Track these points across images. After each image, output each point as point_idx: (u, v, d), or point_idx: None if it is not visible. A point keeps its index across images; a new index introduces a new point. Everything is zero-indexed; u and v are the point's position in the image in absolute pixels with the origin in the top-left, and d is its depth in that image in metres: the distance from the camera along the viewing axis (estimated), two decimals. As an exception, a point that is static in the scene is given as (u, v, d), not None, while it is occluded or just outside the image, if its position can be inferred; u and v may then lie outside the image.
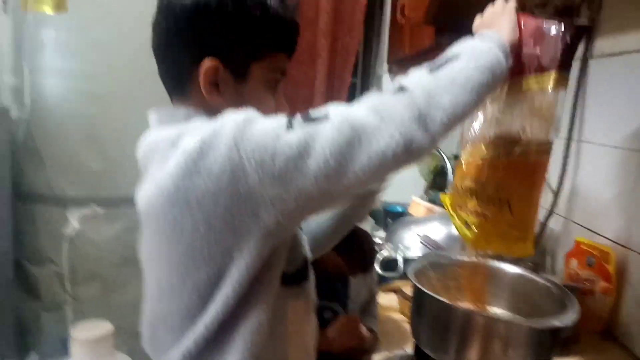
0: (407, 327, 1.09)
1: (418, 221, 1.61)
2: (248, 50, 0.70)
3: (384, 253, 1.35)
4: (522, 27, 0.80)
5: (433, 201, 2.10)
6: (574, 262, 1.20)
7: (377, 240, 1.48)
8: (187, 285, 0.64)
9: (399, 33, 2.07)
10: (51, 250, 1.93)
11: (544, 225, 1.33)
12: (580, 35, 0.80)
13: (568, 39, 0.79)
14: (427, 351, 0.88)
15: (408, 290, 1.26)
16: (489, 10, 0.82)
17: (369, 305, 1.19)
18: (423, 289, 0.86)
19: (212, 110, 0.68)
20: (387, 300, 1.32)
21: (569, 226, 1.31)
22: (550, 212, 1.30)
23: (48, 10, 1.78)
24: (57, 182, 1.91)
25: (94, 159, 1.90)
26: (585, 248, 1.17)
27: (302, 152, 0.57)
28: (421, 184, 2.35)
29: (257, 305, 0.64)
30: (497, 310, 0.96)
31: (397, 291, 1.35)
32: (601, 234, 1.17)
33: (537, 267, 1.33)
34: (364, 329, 1.07)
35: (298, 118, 0.61)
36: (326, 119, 0.59)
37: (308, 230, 0.89)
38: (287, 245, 0.68)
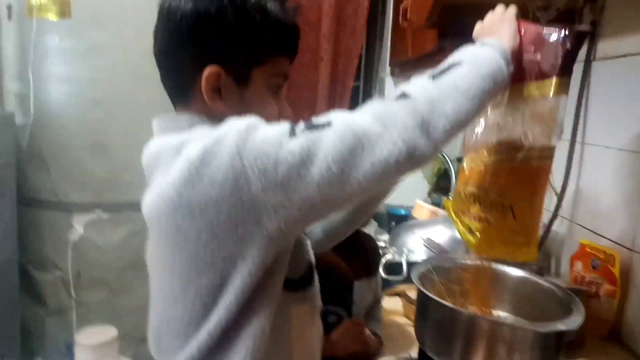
0: (412, 330, 1.09)
1: (422, 224, 1.61)
2: (249, 56, 0.70)
3: (388, 256, 1.35)
4: (522, 34, 0.80)
5: (437, 204, 2.09)
6: (578, 265, 1.19)
7: (380, 243, 1.47)
8: (189, 292, 0.64)
9: (402, 36, 2.07)
10: (56, 256, 1.94)
11: (548, 228, 1.33)
12: (581, 40, 0.80)
13: (568, 45, 0.79)
14: (431, 355, 0.88)
15: (412, 294, 1.26)
16: (489, 17, 0.82)
17: (373, 309, 1.19)
18: (427, 293, 0.85)
19: (215, 117, 0.68)
20: (391, 304, 1.32)
21: (574, 229, 1.31)
22: (555, 215, 1.30)
23: (52, 17, 1.80)
24: (62, 188, 1.91)
25: (98, 164, 1.91)
26: (590, 250, 1.16)
27: (305, 159, 0.57)
28: (425, 186, 2.35)
29: (260, 311, 0.64)
30: (501, 314, 0.96)
31: (401, 295, 1.34)
32: (606, 236, 1.17)
33: (541, 270, 1.33)
34: (368, 333, 1.07)
35: (300, 125, 0.61)
36: (329, 126, 0.59)
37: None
38: (290, 251, 0.68)
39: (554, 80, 0.79)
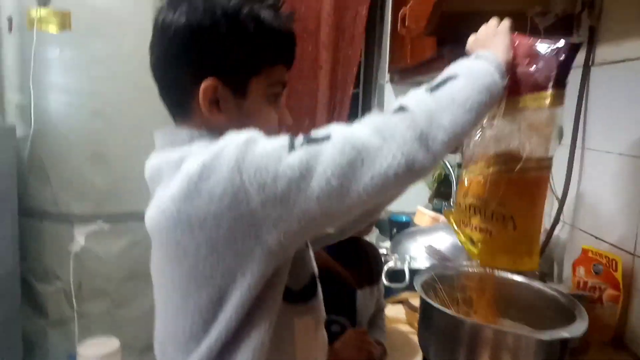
0: (415, 338, 1.08)
1: (423, 231, 1.61)
2: (246, 66, 0.71)
3: (390, 264, 1.35)
4: (516, 47, 0.81)
5: (438, 210, 2.10)
6: (581, 270, 1.19)
7: (382, 250, 1.47)
8: (190, 306, 0.64)
9: (400, 43, 2.08)
10: (57, 267, 1.94)
11: (550, 233, 1.32)
12: (574, 52, 0.80)
13: (562, 56, 0.79)
14: (435, 364, 0.88)
15: (415, 302, 1.26)
16: (483, 29, 0.83)
17: (376, 318, 1.19)
18: (431, 301, 0.85)
19: (215, 129, 0.68)
20: (394, 311, 1.32)
21: (575, 234, 1.30)
22: (556, 220, 1.30)
23: (53, 29, 1.81)
24: (62, 199, 1.92)
25: (99, 175, 1.91)
26: (592, 256, 1.16)
27: (305, 173, 0.57)
28: (425, 192, 2.35)
29: (260, 324, 0.64)
30: (504, 322, 0.95)
31: (404, 302, 1.34)
32: (607, 241, 1.17)
33: (544, 276, 1.32)
34: (372, 342, 1.07)
35: (299, 139, 0.61)
36: (328, 139, 0.59)
37: None
38: (289, 263, 0.68)
39: (549, 92, 0.79)
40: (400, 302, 1.35)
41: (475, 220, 0.87)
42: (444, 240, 1.47)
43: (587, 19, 1.22)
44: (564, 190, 1.27)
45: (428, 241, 1.48)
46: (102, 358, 1.35)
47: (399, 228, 1.91)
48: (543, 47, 0.81)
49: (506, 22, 0.82)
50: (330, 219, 0.62)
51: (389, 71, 2.47)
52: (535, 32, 1.21)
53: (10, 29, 1.89)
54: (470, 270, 0.99)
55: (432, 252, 1.43)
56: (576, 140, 1.26)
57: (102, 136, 1.91)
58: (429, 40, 1.58)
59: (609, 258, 1.11)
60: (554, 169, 0.85)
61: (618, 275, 1.09)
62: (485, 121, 0.84)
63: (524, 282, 0.98)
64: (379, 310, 1.22)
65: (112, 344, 1.72)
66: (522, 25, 1.23)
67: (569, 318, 0.84)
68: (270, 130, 0.73)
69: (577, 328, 0.79)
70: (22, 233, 1.90)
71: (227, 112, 0.71)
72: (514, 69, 0.80)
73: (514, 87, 0.80)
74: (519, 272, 0.97)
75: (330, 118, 2.51)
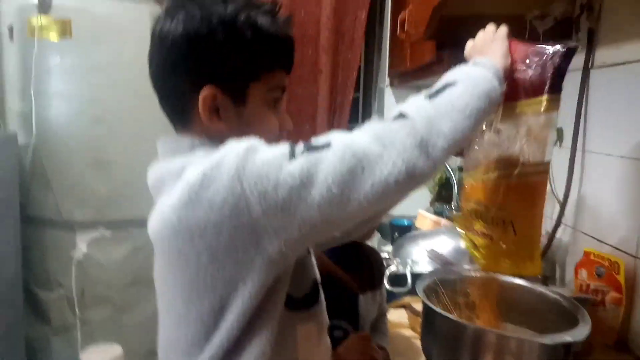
0: (418, 343, 1.08)
1: (425, 235, 1.61)
2: (244, 73, 0.71)
3: (392, 268, 1.35)
4: (514, 53, 0.81)
5: (439, 213, 2.09)
6: (583, 273, 1.19)
7: (384, 254, 1.47)
8: (191, 314, 0.65)
9: (400, 47, 2.08)
10: (60, 274, 1.94)
11: (551, 236, 1.32)
12: (569, 57, 0.81)
13: (557, 62, 0.80)
14: (438, 368, 0.88)
15: (417, 306, 1.26)
16: (481, 35, 0.84)
17: (379, 323, 1.19)
18: (433, 306, 0.85)
19: (216, 137, 0.69)
20: (396, 316, 1.31)
21: (577, 237, 1.30)
22: (558, 223, 1.30)
23: (54, 37, 1.81)
24: (65, 206, 1.92)
25: (101, 182, 1.92)
26: (594, 258, 1.16)
27: (305, 181, 0.57)
28: (427, 196, 2.35)
29: (261, 332, 0.64)
30: (507, 326, 0.95)
31: (406, 307, 1.34)
32: (609, 243, 1.17)
33: (546, 279, 1.32)
34: (375, 347, 1.07)
35: (300, 146, 0.61)
36: (328, 147, 0.60)
37: None
38: (290, 271, 0.68)
39: (544, 97, 0.80)
40: (402, 307, 1.35)
41: (478, 225, 0.88)
42: (446, 244, 1.47)
43: (586, 22, 1.22)
44: (565, 193, 1.27)
45: (430, 245, 1.48)
46: (105, 365, 1.35)
47: (400, 232, 1.90)
48: (538, 52, 0.81)
49: (504, 28, 0.82)
50: (331, 226, 0.62)
51: (388, 75, 2.48)
52: (534, 36, 1.22)
53: (11, 37, 1.90)
54: (472, 274, 0.99)
55: (434, 256, 1.43)
56: (577, 143, 1.26)
57: (104, 143, 1.92)
58: (428, 44, 1.58)
59: (611, 261, 1.11)
60: (555, 172, 0.86)
61: (620, 277, 1.09)
62: (484, 126, 0.85)
63: (526, 286, 0.98)
64: (382, 314, 1.21)
65: (114, 350, 1.72)
66: (521, 28, 1.24)
67: (571, 322, 0.84)
68: (271, 136, 0.73)
69: (580, 332, 0.79)
70: (24, 240, 1.90)
71: (227, 119, 0.71)
72: (511, 74, 0.81)
73: (510, 92, 0.80)
74: (522, 277, 0.98)
75: (331, 122, 2.51)
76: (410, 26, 1.85)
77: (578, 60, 1.22)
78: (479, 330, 0.83)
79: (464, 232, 0.93)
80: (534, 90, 0.81)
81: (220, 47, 0.68)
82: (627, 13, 1.12)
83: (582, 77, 1.24)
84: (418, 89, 2.27)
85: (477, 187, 0.88)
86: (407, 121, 0.61)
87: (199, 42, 0.68)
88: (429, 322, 0.92)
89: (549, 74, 0.80)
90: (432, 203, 2.32)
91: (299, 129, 2.47)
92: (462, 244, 1.39)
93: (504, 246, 0.85)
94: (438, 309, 0.85)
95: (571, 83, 1.23)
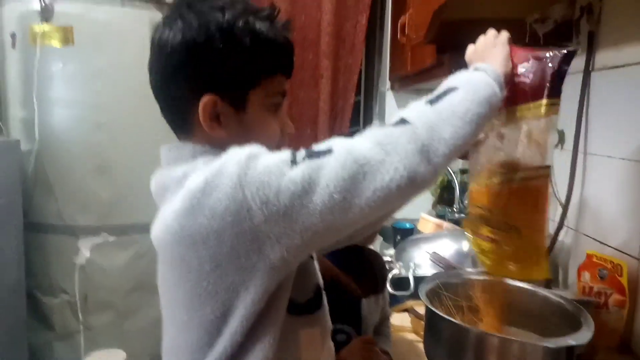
0: (421, 346, 1.08)
1: (427, 238, 1.61)
2: (244, 80, 0.70)
3: (395, 272, 1.35)
4: (514, 58, 0.82)
5: (441, 216, 2.09)
6: (586, 275, 1.19)
7: (386, 258, 1.48)
8: (194, 320, 0.65)
9: (400, 51, 2.09)
10: (63, 280, 1.94)
11: (554, 238, 1.32)
12: (568, 60, 0.82)
13: (556, 66, 0.80)
14: (442, 372, 0.88)
15: (420, 310, 1.26)
16: (482, 40, 0.84)
17: (382, 327, 1.19)
18: (436, 311, 0.85)
19: (218, 144, 0.69)
20: (399, 319, 1.31)
21: (580, 239, 1.30)
22: (560, 225, 1.30)
23: (56, 44, 1.82)
24: (67, 212, 1.93)
25: (103, 187, 1.92)
26: (597, 261, 1.16)
27: (307, 188, 0.57)
28: (429, 199, 2.35)
29: (265, 338, 0.64)
30: (510, 329, 0.95)
31: (409, 311, 1.34)
32: (612, 245, 1.17)
33: (549, 282, 1.32)
34: (378, 351, 1.07)
35: (301, 153, 0.61)
36: (330, 153, 0.60)
37: None
38: (293, 276, 0.68)
39: (544, 101, 0.80)
40: (405, 310, 1.35)
41: (484, 230, 0.88)
42: (448, 247, 1.47)
43: (586, 25, 1.23)
44: (567, 195, 1.27)
45: (432, 248, 1.48)
46: (108, 371, 1.35)
47: (402, 235, 1.90)
48: (538, 56, 0.82)
49: (504, 34, 0.82)
50: (333, 232, 0.61)
51: (389, 79, 2.48)
52: (535, 39, 1.22)
53: (13, 44, 1.91)
54: (475, 277, 0.99)
55: (437, 259, 1.43)
56: (578, 145, 1.26)
57: (106, 149, 1.92)
58: (428, 48, 1.58)
59: (614, 263, 1.11)
60: (556, 174, 0.86)
61: (623, 280, 1.09)
62: (488, 131, 0.85)
63: (529, 289, 0.98)
64: (385, 318, 1.21)
65: (118, 355, 1.72)
66: (521, 32, 1.24)
67: (574, 324, 0.84)
68: (273, 141, 0.73)
69: (583, 335, 0.79)
70: (27, 246, 1.91)
71: (228, 126, 0.70)
72: (512, 79, 0.81)
73: (511, 97, 0.81)
74: (529, 281, 0.98)
75: (332, 126, 2.52)
76: (410, 30, 1.85)
77: (579, 63, 1.22)
78: (481, 334, 0.83)
79: (471, 236, 0.93)
80: (534, 94, 0.81)
81: (219, 54, 0.68)
82: (627, 15, 1.13)
83: (582, 80, 1.24)
84: (419, 92, 2.28)
85: (481, 192, 0.88)
86: (408, 127, 0.61)
87: (197, 50, 0.68)
88: (432, 325, 0.92)
89: (548, 78, 0.80)
90: (434, 206, 2.32)
91: (301, 133, 2.47)
92: (465, 246, 1.40)
93: (509, 251, 0.85)
94: (441, 313, 0.85)
95: (572, 86, 1.23)
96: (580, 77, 1.24)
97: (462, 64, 0.84)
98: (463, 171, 2.16)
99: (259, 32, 0.69)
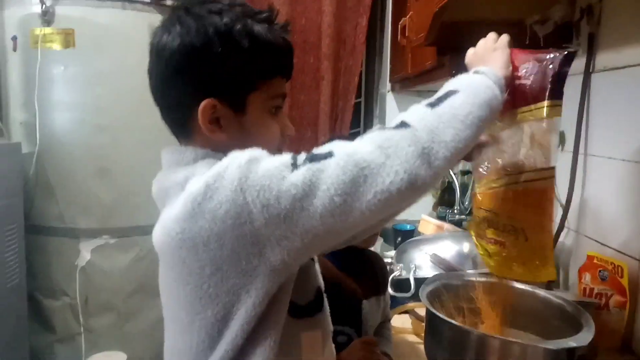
0: (422, 348, 1.08)
1: (428, 240, 1.61)
2: (243, 83, 0.70)
3: (395, 273, 1.35)
4: (514, 61, 0.82)
5: (442, 218, 2.09)
6: (587, 277, 1.19)
7: (387, 259, 1.48)
8: (195, 324, 0.65)
9: (401, 53, 2.09)
10: (64, 282, 1.94)
11: (554, 240, 1.32)
12: (569, 62, 0.82)
13: (557, 67, 0.81)
14: (443, 374, 0.88)
15: (421, 311, 1.26)
16: (482, 44, 0.83)
17: (383, 328, 1.19)
18: (437, 313, 0.85)
19: (218, 147, 0.69)
20: (400, 321, 1.31)
21: (580, 240, 1.30)
22: (561, 227, 1.30)
23: (57, 47, 1.83)
24: (68, 214, 1.93)
25: (104, 190, 1.93)
26: (598, 262, 1.16)
27: (308, 191, 0.57)
28: (429, 201, 2.35)
29: (265, 341, 0.64)
30: (511, 331, 0.95)
31: (410, 312, 1.34)
32: (613, 247, 1.16)
33: (550, 283, 1.32)
34: (378, 353, 1.07)
35: (302, 156, 0.61)
36: (330, 156, 0.59)
37: None
38: (293, 279, 0.68)
39: (546, 103, 0.81)
40: (406, 312, 1.35)
41: (490, 233, 0.88)
42: (449, 248, 1.47)
43: (587, 26, 1.23)
44: (568, 196, 1.27)
45: (433, 250, 1.48)
46: (109, 373, 1.35)
47: (403, 237, 1.91)
48: (539, 59, 0.82)
49: (505, 37, 0.82)
50: (333, 235, 0.61)
51: (390, 80, 2.48)
52: (535, 40, 1.22)
53: (14, 48, 1.91)
54: (475, 279, 0.99)
55: (437, 260, 1.43)
56: (579, 146, 1.26)
57: (107, 151, 1.92)
58: (429, 49, 1.59)
59: (614, 264, 1.11)
60: (557, 176, 0.86)
61: (624, 281, 1.09)
62: (492, 134, 0.86)
63: (530, 291, 0.98)
64: (385, 320, 1.22)
65: (119, 357, 1.72)
66: (521, 33, 1.24)
67: (575, 326, 0.84)
68: (274, 143, 0.73)
69: (584, 336, 0.79)
70: (28, 249, 1.91)
71: (228, 129, 0.70)
72: (513, 82, 0.81)
73: (513, 100, 0.81)
74: (535, 283, 0.98)
75: (333, 128, 2.53)
76: (411, 32, 1.86)
77: (579, 64, 1.22)
78: (482, 336, 0.83)
79: (475, 239, 0.93)
80: (536, 96, 0.81)
81: (217, 57, 0.68)
82: (627, 17, 1.13)
83: (583, 81, 1.24)
84: (419, 94, 2.29)
85: (486, 195, 0.89)
86: (409, 130, 0.61)
87: (196, 54, 0.68)
88: (433, 327, 0.92)
89: (549, 80, 0.80)
90: (434, 207, 2.32)
91: (301, 135, 2.48)
92: (466, 248, 1.40)
93: (516, 252, 0.85)
94: (441, 315, 0.85)
95: (572, 87, 1.23)
96: (580, 78, 1.24)
97: (462, 66, 0.84)
98: (464, 172, 2.16)
99: (257, 35, 0.69)
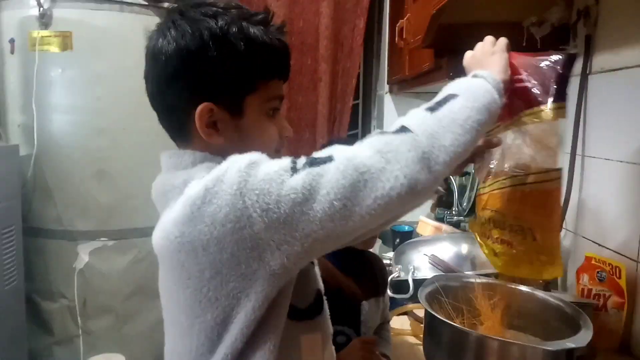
0: (421, 350, 1.08)
1: (426, 241, 1.61)
2: (239, 85, 0.70)
3: (394, 274, 1.35)
4: (514, 65, 0.82)
5: (440, 219, 2.10)
6: (585, 278, 1.19)
7: (386, 261, 1.48)
8: (195, 327, 0.65)
9: (399, 55, 2.10)
10: (62, 284, 1.94)
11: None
12: (570, 63, 0.82)
13: (559, 69, 0.81)
14: (442, 376, 0.88)
15: (420, 312, 1.26)
16: (480, 47, 0.83)
17: (382, 330, 1.19)
18: (436, 314, 0.85)
19: (216, 151, 0.69)
20: (399, 323, 1.32)
21: (578, 241, 1.31)
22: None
23: (55, 49, 1.83)
24: (67, 216, 1.93)
25: (103, 192, 1.92)
26: (596, 263, 1.16)
27: (308, 196, 0.57)
28: (428, 202, 2.35)
29: (265, 344, 0.64)
30: (509, 332, 0.95)
31: (409, 314, 1.34)
32: (611, 248, 1.17)
33: (548, 284, 1.32)
34: (377, 354, 1.07)
35: (302, 160, 0.61)
36: (330, 161, 0.59)
37: None
38: (293, 282, 0.68)
39: (550, 105, 0.81)
40: (405, 314, 1.35)
41: (496, 233, 0.89)
42: (447, 250, 1.47)
43: (583, 28, 1.23)
44: (566, 197, 1.27)
45: (431, 251, 1.48)
46: (108, 375, 1.35)
47: (401, 238, 1.91)
48: (539, 62, 0.82)
49: (503, 40, 0.82)
50: (333, 240, 0.61)
51: (387, 82, 2.49)
52: (532, 42, 1.22)
53: (12, 50, 1.91)
54: (474, 280, 1.00)
55: (436, 262, 1.43)
56: (576, 148, 1.27)
57: (105, 154, 1.92)
58: (426, 51, 1.59)
59: (612, 265, 1.11)
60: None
61: (622, 282, 1.09)
62: (499, 136, 0.86)
63: (528, 292, 0.99)
64: (384, 321, 1.22)
65: (117, 360, 1.72)
66: (518, 35, 1.25)
67: (574, 327, 0.84)
68: (272, 145, 0.73)
69: (583, 337, 0.79)
70: (26, 251, 1.90)
71: (225, 132, 0.70)
72: (514, 86, 0.81)
73: (516, 103, 0.81)
74: (543, 281, 0.98)
75: (331, 129, 2.53)
76: (408, 34, 1.86)
77: (576, 66, 1.23)
78: (481, 337, 0.83)
79: (479, 239, 0.93)
80: (540, 99, 0.81)
81: (213, 61, 0.68)
82: (624, 19, 1.13)
83: (580, 83, 1.24)
84: (417, 95, 2.29)
85: (492, 196, 0.89)
86: (409, 135, 0.61)
87: (191, 58, 0.68)
88: (432, 328, 0.92)
89: (553, 83, 0.81)
90: (433, 209, 2.32)
91: (299, 137, 2.48)
92: (464, 249, 1.40)
93: (523, 252, 0.86)
94: (440, 316, 0.85)
95: (570, 89, 1.23)
96: (577, 80, 1.24)
97: (460, 68, 0.84)
98: (462, 174, 2.16)
99: (253, 37, 0.69)
